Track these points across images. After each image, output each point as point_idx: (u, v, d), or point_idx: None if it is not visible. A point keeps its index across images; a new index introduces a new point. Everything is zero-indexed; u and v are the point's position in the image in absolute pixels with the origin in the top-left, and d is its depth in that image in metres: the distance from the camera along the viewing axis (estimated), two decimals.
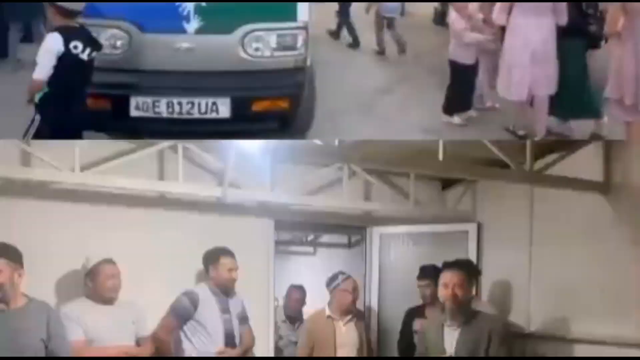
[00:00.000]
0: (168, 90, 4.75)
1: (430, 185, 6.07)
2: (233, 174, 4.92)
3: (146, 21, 4.74)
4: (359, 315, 5.34)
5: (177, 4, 4.72)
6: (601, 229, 4.46)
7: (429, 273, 5.06)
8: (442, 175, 5.70)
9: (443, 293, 4.03)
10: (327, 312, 5.16)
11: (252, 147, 3.63)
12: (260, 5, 4.82)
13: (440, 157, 4.00)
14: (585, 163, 4.55)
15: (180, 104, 4.72)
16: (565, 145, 4.75)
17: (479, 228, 5.69)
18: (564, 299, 4.76)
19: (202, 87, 4.77)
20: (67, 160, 4.36)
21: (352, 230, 6.63)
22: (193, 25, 4.70)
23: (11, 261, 3.57)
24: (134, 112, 4.73)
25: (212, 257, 4.70)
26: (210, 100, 4.75)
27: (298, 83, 4.90)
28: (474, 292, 4.71)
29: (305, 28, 4.86)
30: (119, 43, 4.71)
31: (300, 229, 7.52)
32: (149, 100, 4.73)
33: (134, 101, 4.71)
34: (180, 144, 4.75)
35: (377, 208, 5.71)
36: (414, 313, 5.29)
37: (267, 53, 4.80)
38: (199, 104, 4.74)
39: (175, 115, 4.73)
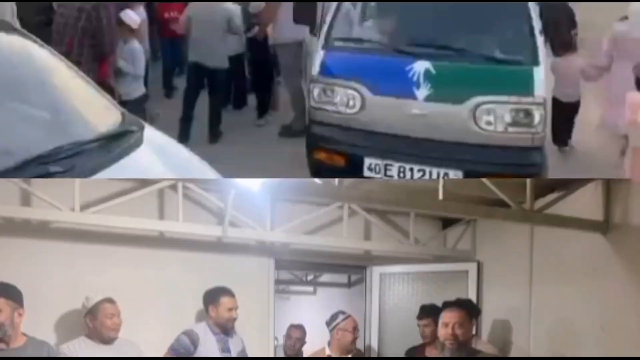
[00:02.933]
0: (399, 156, 4.71)
1: (430, 224, 6.06)
2: (233, 213, 4.93)
3: (377, 83, 4.74)
4: (359, 355, 5.31)
5: (407, 68, 4.68)
6: (601, 268, 4.44)
7: (429, 312, 5.05)
8: (442, 214, 5.71)
9: (443, 332, 4.07)
10: (327, 351, 5.15)
11: (251, 186, 3.63)
12: (494, 76, 4.67)
13: (440, 196, 4.00)
14: (585, 202, 4.55)
15: (411, 170, 4.70)
16: (566, 184, 4.76)
17: (479, 267, 5.68)
18: (565, 337, 4.74)
19: (434, 156, 4.70)
20: (67, 199, 4.37)
21: (352, 269, 6.62)
22: (423, 91, 4.67)
23: (11, 300, 3.57)
24: (366, 172, 4.79)
25: (212, 296, 4.71)
26: (443, 171, 4.67)
27: (536, 163, 4.71)
28: (474, 331, 4.70)
29: (542, 104, 4.64)
30: (352, 103, 4.73)
31: (300, 268, 7.52)
32: (381, 162, 4.74)
33: (367, 161, 4.74)
34: (180, 183, 4.76)
35: (377, 247, 5.69)
36: (414, 352, 5.27)
37: (500, 128, 4.64)
38: (430, 173, 4.66)
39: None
